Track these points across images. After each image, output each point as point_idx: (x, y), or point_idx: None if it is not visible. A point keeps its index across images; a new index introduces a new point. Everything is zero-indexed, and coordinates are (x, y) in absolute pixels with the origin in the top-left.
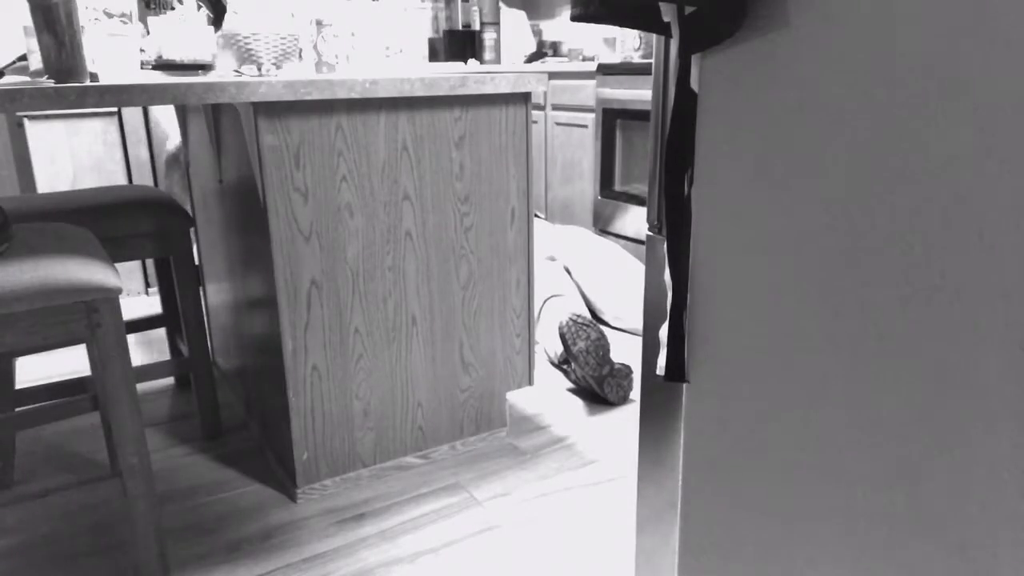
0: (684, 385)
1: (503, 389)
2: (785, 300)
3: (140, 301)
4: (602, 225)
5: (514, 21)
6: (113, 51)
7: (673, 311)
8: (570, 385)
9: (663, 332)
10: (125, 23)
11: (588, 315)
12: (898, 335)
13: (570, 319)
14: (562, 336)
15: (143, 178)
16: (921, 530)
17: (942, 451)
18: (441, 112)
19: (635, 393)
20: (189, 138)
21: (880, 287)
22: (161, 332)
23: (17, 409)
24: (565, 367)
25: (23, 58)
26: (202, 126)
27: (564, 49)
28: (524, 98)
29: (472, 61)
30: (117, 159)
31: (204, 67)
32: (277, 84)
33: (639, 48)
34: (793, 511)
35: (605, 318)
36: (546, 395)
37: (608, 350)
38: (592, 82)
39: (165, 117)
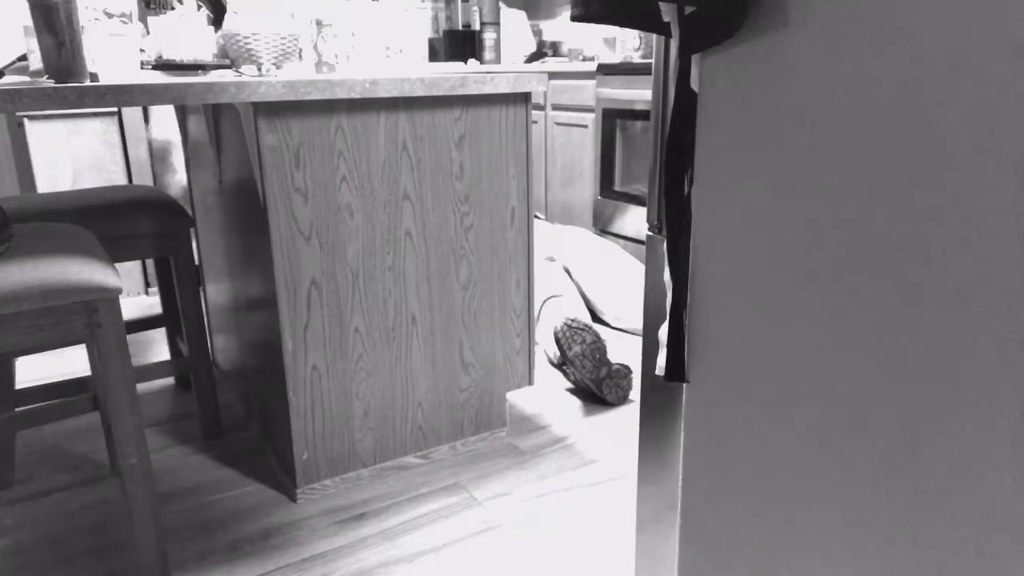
0: (684, 385)
1: (503, 389)
2: (785, 300)
3: (140, 301)
4: (602, 225)
5: (514, 21)
6: (113, 51)
7: (673, 311)
8: (570, 385)
9: (663, 332)
10: (125, 23)
11: (586, 317)
12: (898, 335)
13: (565, 324)
14: (557, 341)
15: (143, 178)
16: (921, 530)
17: (942, 451)
18: (441, 112)
19: (635, 393)
20: (189, 138)
21: (880, 287)
22: (161, 332)
23: (17, 409)
24: (564, 367)
25: (23, 58)
26: (202, 126)
27: (564, 49)
28: (524, 98)
29: (472, 61)
30: (117, 159)
31: (204, 67)
32: (277, 84)
33: (639, 48)
34: (793, 511)
35: (605, 318)
36: (546, 395)
37: (605, 352)
38: (592, 82)
39: (159, 118)
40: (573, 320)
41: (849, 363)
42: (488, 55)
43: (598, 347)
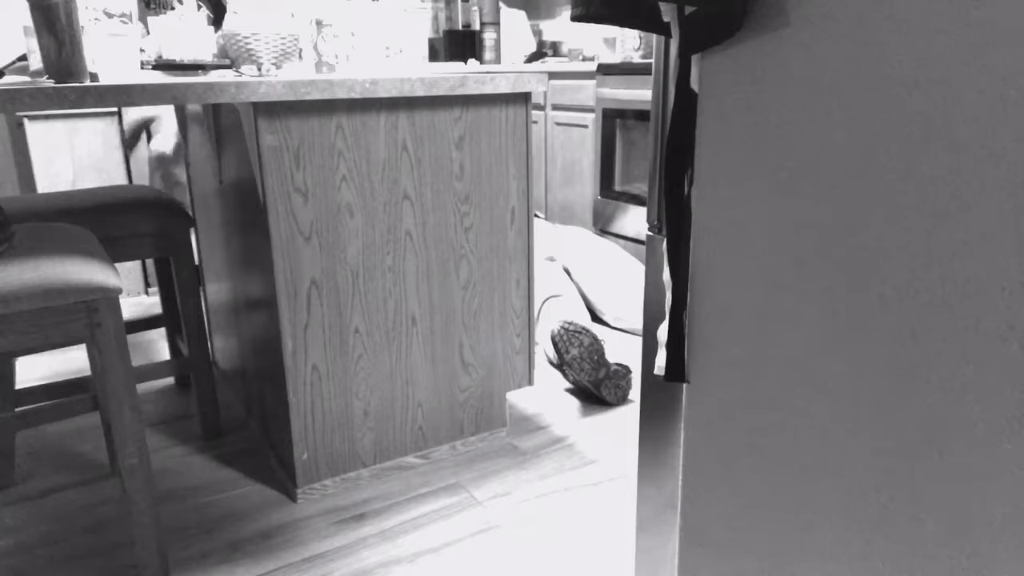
0: (684, 385)
1: (503, 389)
2: (785, 300)
3: (140, 301)
4: (602, 225)
5: (514, 21)
6: (113, 51)
7: (673, 311)
8: (569, 385)
9: (663, 332)
10: (125, 23)
11: (585, 317)
12: (898, 335)
13: (562, 327)
14: (555, 344)
15: (143, 178)
16: (921, 530)
17: (942, 451)
18: (441, 112)
19: (634, 393)
20: (189, 138)
21: (880, 287)
22: (161, 332)
23: (17, 409)
24: (564, 368)
25: (23, 58)
26: (202, 126)
27: (564, 49)
28: (524, 98)
29: (472, 61)
30: (117, 159)
31: (204, 67)
32: (277, 84)
33: (639, 48)
34: (793, 511)
35: (605, 318)
36: (546, 395)
37: (602, 353)
38: (592, 82)
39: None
40: (570, 323)
41: (849, 363)
42: (488, 55)
43: (596, 349)
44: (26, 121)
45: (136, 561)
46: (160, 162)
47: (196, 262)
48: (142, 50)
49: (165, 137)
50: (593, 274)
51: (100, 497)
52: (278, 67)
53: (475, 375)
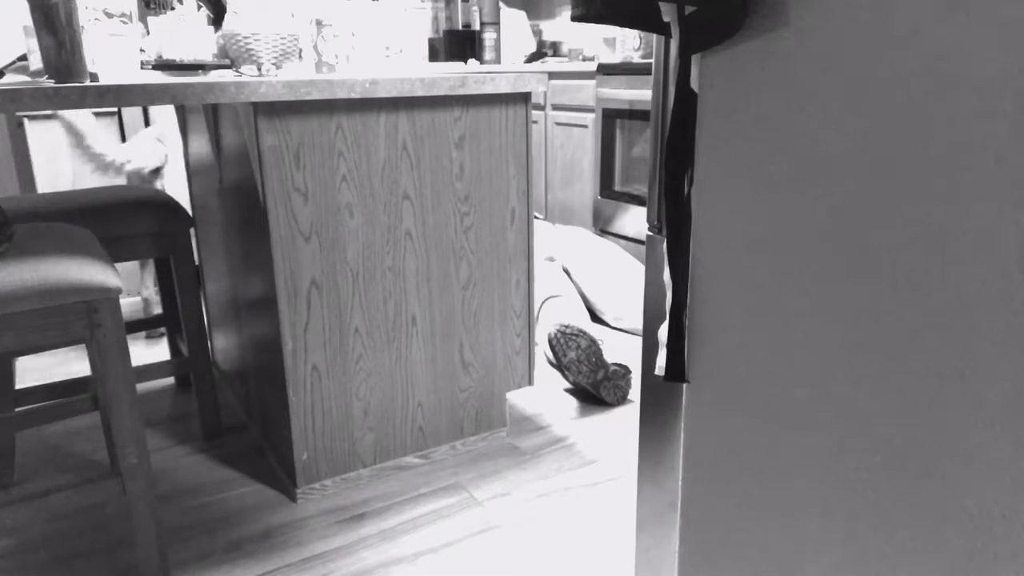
0: (684, 385)
1: (503, 389)
2: (785, 300)
3: (139, 301)
4: (602, 225)
5: (514, 21)
6: (113, 51)
7: (673, 311)
8: (569, 385)
9: (663, 332)
10: (125, 23)
11: (585, 317)
12: (898, 335)
13: (558, 330)
14: (552, 347)
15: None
16: (921, 531)
17: (942, 451)
18: (441, 112)
19: (634, 392)
20: (189, 138)
21: (880, 287)
22: (161, 332)
23: (17, 409)
24: (563, 370)
25: (23, 58)
26: (202, 126)
27: (564, 49)
28: (524, 98)
29: (472, 61)
30: None
31: (204, 67)
32: (277, 84)
33: (639, 48)
34: (793, 511)
35: (605, 319)
36: (546, 395)
37: (601, 355)
38: (592, 82)
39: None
40: (566, 326)
41: (849, 363)
42: (488, 55)
43: (593, 351)
44: (26, 121)
45: (136, 561)
46: (140, 179)
47: (196, 262)
48: (142, 50)
49: (143, 156)
50: (593, 274)
51: (100, 497)
52: (278, 67)
53: (475, 375)
